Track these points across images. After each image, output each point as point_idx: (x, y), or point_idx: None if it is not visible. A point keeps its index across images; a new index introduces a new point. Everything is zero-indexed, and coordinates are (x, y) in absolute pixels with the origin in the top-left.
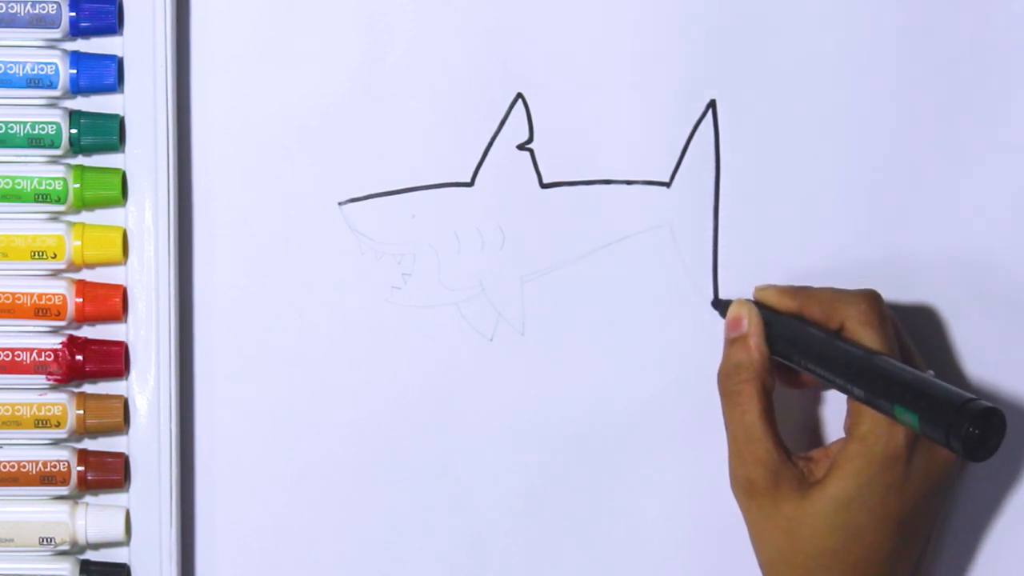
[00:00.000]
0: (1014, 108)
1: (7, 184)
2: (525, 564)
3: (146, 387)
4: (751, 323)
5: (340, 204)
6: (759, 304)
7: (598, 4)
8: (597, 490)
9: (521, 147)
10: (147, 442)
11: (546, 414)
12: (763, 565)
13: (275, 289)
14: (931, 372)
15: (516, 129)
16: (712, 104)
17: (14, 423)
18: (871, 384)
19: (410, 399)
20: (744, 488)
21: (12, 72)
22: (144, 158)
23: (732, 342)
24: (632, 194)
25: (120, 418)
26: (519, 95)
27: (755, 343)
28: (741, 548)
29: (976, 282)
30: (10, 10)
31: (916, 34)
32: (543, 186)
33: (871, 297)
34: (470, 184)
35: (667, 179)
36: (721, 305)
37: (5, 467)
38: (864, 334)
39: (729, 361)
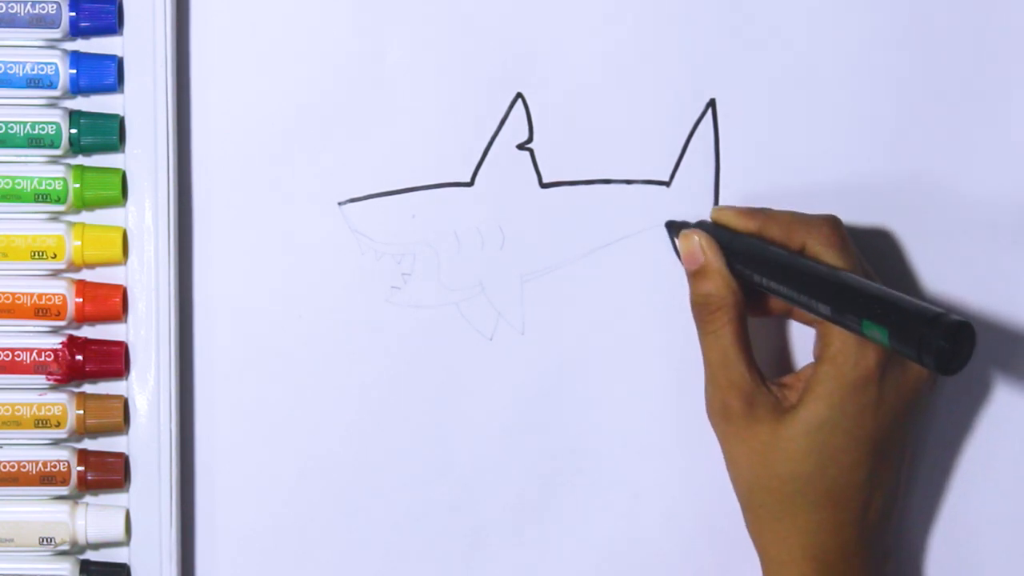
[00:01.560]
0: (1014, 108)
1: (7, 184)
2: (525, 564)
3: (146, 387)
4: (709, 251)
5: (340, 204)
6: (717, 225)
7: (598, 4)
8: (597, 490)
9: (521, 147)
10: (147, 442)
11: (546, 414)
12: (739, 491)
13: (275, 289)
14: None
15: (516, 129)
16: (712, 104)
17: (14, 423)
18: (838, 299)
19: (410, 399)
20: (720, 414)
21: (12, 72)
22: (144, 158)
23: (694, 274)
24: (632, 194)
25: (120, 418)
26: (519, 95)
27: (717, 269)
28: (741, 548)
29: (976, 282)
30: (10, 10)
31: (916, 34)
32: (543, 186)
33: (832, 220)
34: (470, 184)
35: (667, 179)
36: (674, 227)
37: (5, 467)
38: (827, 255)
39: (698, 292)
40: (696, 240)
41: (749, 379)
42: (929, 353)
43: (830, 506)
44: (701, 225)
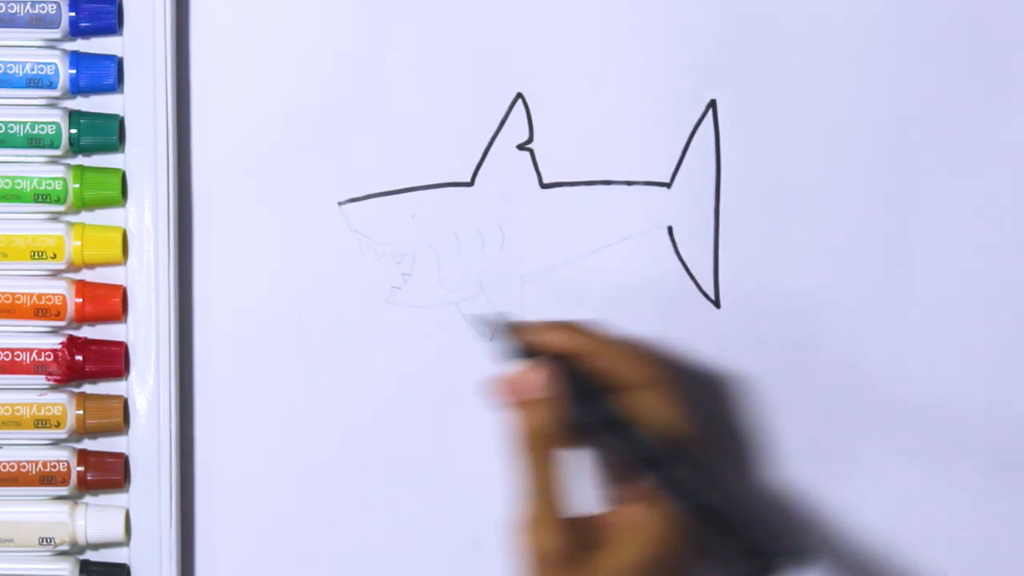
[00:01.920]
0: (1014, 108)
1: (7, 184)
2: None
3: (146, 387)
4: (544, 386)
5: (340, 204)
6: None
7: (598, 4)
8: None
9: (521, 147)
10: (147, 442)
11: None
12: None
13: (275, 289)
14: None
15: (516, 129)
16: (712, 104)
17: (14, 423)
18: (671, 492)
19: (410, 399)
20: (539, 556)
21: (12, 72)
22: (144, 158)
23: (528, 404)
24: (632, 194)
25: (120, 418)
26: (519, 95)
27: (556, 408)
28: None
29: (976, 282)
30: (10, 10)
31: (916, 34)
32: (543, 186)
33: (671, 363)
34: (470, 184)
35: (667, 179)
36: (510, 334)
37: (5, 467)
38: (668, 397)
39: (530, 426)
40: (543, 375)
41: (568, 522)
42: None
43: None
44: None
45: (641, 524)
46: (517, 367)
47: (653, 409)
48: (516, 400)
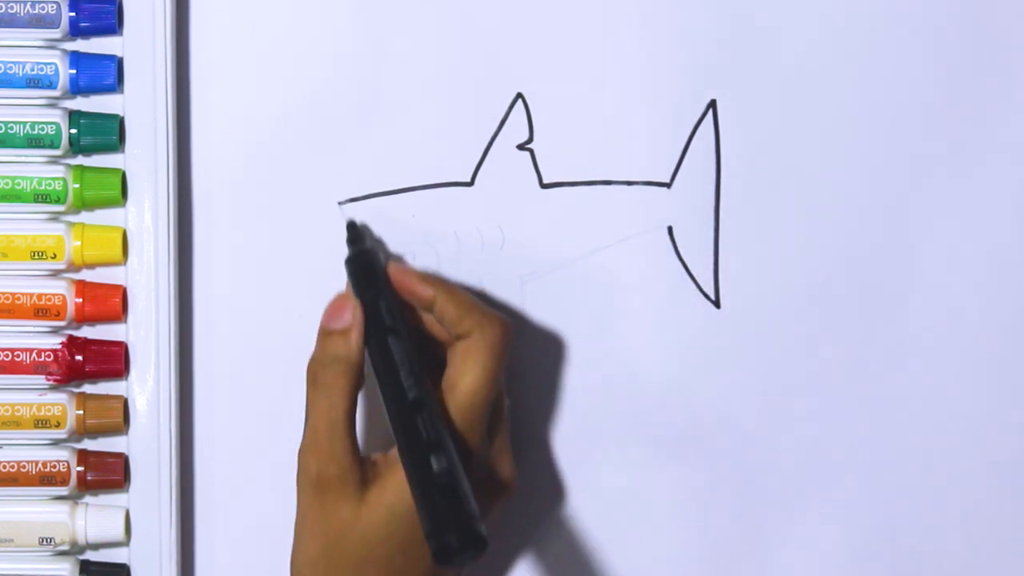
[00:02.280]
0: (1014, 108)
1: (7, 184)
2: (525, 563)
3: (146, 387)
4: (355, 320)
5: (340, 204)
6: (387, 280)
7: (598, 4)
8: (596, 489)
9: (521, 147)
10: (147, 442)
11: (545, 414)
12: (302, 562)
13: (275, 289)
14: (507, 401)
15: (516, 129)
16: (712, 104)
17: (14, 423)
18: (400, 446)
19: None
20: (313, 482)
21: (12, 72)
22: (144, 158)
23: (332, 333)
24: (632, 194)
25: (120, 418)
26: (519, 95)
27: (355, 342)
28: (742, 547)
29: (977, 282)
30: (10, 10)
31: (916, 34)
32: (543, 186)
33: (506, 325)
34: (470, 184)
35: (667, 179)
36: (350, 263)
37: (5, 467)
38: (479, 355)
39: (327, 352)
40: (350, 304)
41: (351, 454)
42: (431, 544)
43: None
44: (374, 278)
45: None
46: (337, 295)
47: (465, 359)
48: (325, 324)
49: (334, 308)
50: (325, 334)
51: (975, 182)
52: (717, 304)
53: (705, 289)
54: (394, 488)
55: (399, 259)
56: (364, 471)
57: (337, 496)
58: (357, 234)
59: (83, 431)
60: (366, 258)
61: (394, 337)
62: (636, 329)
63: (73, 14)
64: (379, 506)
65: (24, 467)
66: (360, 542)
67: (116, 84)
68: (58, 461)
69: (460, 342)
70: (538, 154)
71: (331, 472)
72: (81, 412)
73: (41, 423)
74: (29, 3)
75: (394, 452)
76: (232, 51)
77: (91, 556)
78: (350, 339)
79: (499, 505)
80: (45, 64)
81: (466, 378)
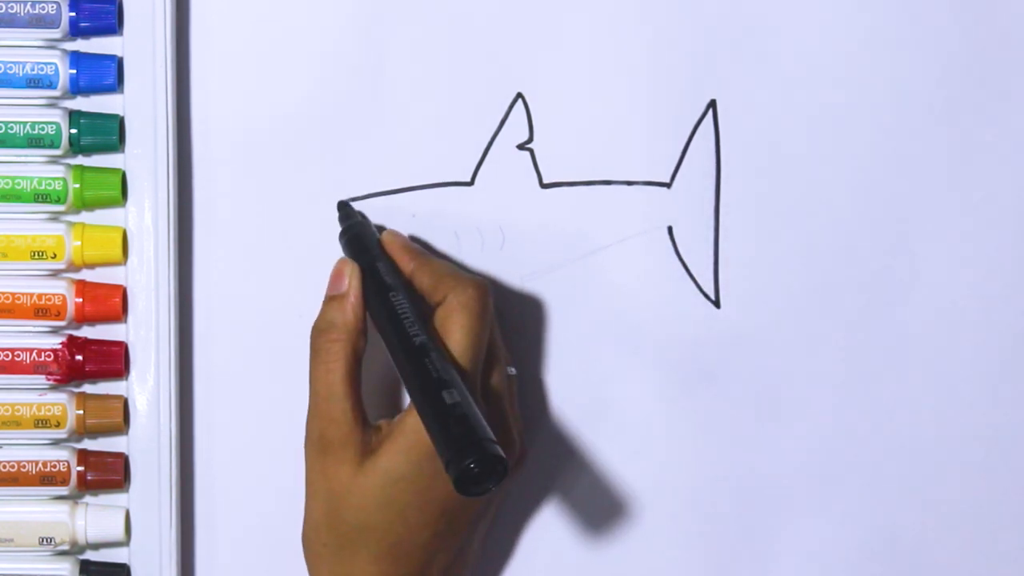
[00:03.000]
0: (1014, 108)
1: (7, 184)
2: (524, 562)
3: (146, 387)
4: (352, 285)
5: (339, 204)
6: (381, 246)
7: (598, 4)
8: (596, 489)
9: (521, 147)
10: (147, 442)
11: (545, 414)
12: (309, 527)
13: (275, 289)
14: (512, 370)
15: (516, 129)
16: (712, 104)
17: (14, 423)
18: (411, 388)
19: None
20: (316, 445)
21: (12, 72)
22: (144, 158)
23: (331, 299)
24: (632, 194)
25: (120, 418)
26: (519, 95)
27: (352, 305)
28: (742, 547)
29: (977, 282)
30: (10, 10)
31: (916, 34)
32: (543, 186)
33: (480, 285)
34: (470, 184)
35: (667, 179)
36: (343, 236)
37: (5, 467)
38: (457, 317)
39: (324, 318)
40: (348, 270)
41: (351, 417)
42: (451, 474)
43: (390, 559)
44: (368, 245)
45: (406, 435)
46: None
47: (445, 325)
48: (328, 292)
49: (333, 275)
50: (325, 300)
51: (975, 182)
52: (717, 304)
53: (705, 289)
54: (392, 452)
55: (392, 231)
56: (367, 436)
57: (338, 459)
58: (348, 211)
59: (83, 431)
60: (358, 228)
61: (394, 293)
62: (636, 329)
63: (73, 14)
64: (376, 470)
65: (24, 467)
66: (358, 508)
67: (116, 84)
68: (58, 461)
69: (439, 309)
70: (538, 154)
71: (331, 435)
72: (81, 412)
73: (41, 423)
74: (29, 3)
75: (399, 418)
76: (232, 51)
77: (91, 556)
78: (346, 303)
79: (510, 475)
80: (45, 64)
81: (449, 342)
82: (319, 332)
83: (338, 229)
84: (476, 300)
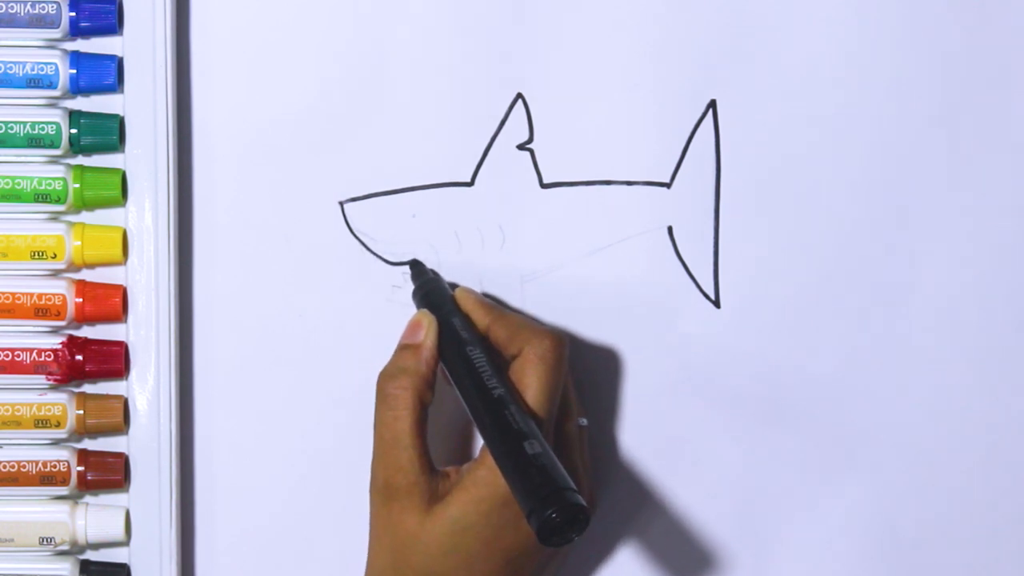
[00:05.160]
0: (1014, 108)
1: (7, 184)
2: None
3: (146, 387)
4: (428, 335)
5: (340, 203)
6: (455, 302)
7: (598, 4)
8: (595, 489)
9: (521, 147)
10: (147, 442)
11: None
12: (371, 572)
13: (275, 289)
14: (584, 421)
15: (516, 129)
16: (712, 104)
17: (14, 423)
18: (491, 439)
19: None
20: (381, 492)
21: (12, 72)
22: (144, 158)
23: (404, 347)
24: (632, 194)
25: (120, 418)
26: (519, 95)
27: (426, 356)
28: (742, 548)
29: (977, 282)
30: (10, 10)
31: (916, 34)
32: (543, 186)
33: (556, 337)
34: (470, 184)
35: (667, 179)
36: (418, 292)
37: (5, 467)
38: (532, 369)
39: (395, 364)
40: (426, 320)
41: (418, 465)
42: (533, 524)
43: None
44: (442, 301)
45: (477, 485)
46: (415, 315)
47: (521, 377)
48: (402, 340)
49: (411, 325)
50: (398, 349)
51: (975, 182)
52: (717, 304)
53: (705, 289)
54: (462, 501)
55: (465, 288)
56: (434, 483)
57: (403, 507)
58: (421, 268)
59: (83, 431)
60: (432, 285)
61: (471, 347)
62: (636, 329)
63: (73, 14)
64: (443, 518)
65: (24, 467)
66: (424, 554)
67: (116, 84)
68: (58, 461)
69: (515, 361)
70: (538, 154)
71: (397, 482)
72: (81, 412)
73: (41, 423)
74: (29, 3)
75: (469, 467)
76: (232, 51)
77: (91, 556)
78: (420, 352)
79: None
80: (45, 64)
81: (525, 393)
82: (388, 377)
83: (337, 229)
84: (552, 351)
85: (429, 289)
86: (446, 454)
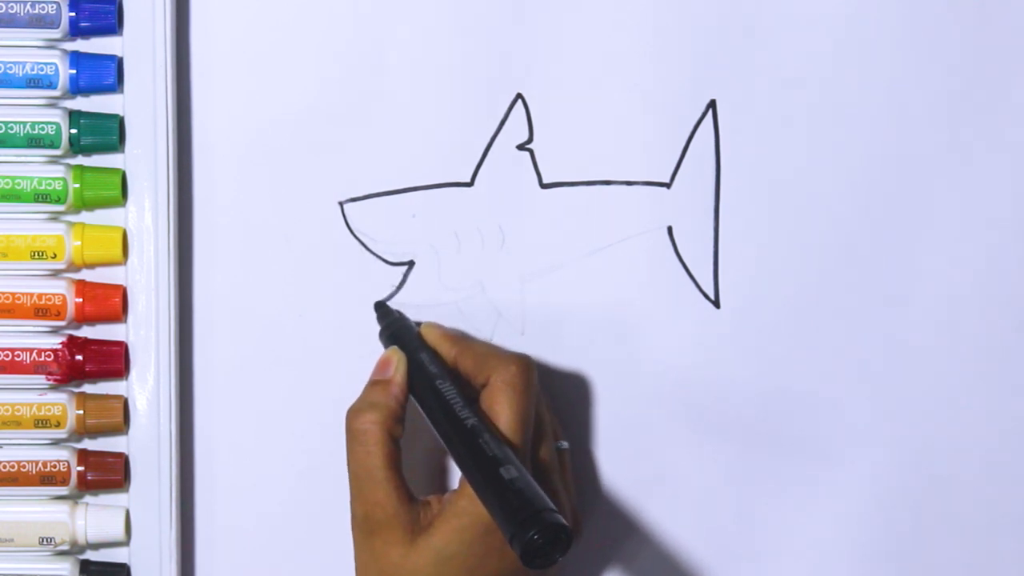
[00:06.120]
0: (1014, 108)
1: (7, 184)
2: None
3: (146, 387)
4: (397, 370)
5: (340, 204)
6: (421, 338)
7: (598, 4)
8: (595, 490)
9: (521, 147)
10: (147, 442)
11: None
12: None
13: (275, 289)
14: (564, 444)
15: (516, 129)
16: (712, 104)
17: (14, 423)
18: (467, 469)
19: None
20: (362, 527)
21: (12, 72)
22: (144, 158)
23: (374, 383)
24: (632, 194)
25: (120, 418)
26: (519, 95)
27: (395, 391)
28: (741, 548)
29: (977, 282)
30: (10, 10)
31: (916, 34)
32: (543, 186)
33: (522, 361)
34: (470, 184)
35: (667, 179)
36: (384, 332)
37: (5, 467)
38: (502, 396)
39: (364, 400)
40: (396, 357)
41: (394, 498)
42: (516, 548)
43: None
44: (408, 338)
45: (459, 515)
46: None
47: (492, 405)
48: (372, 376)
49: (380, 363)
50: (368, 385)
51: (975, 182)
52: (717, 304)
53: (705, 289)
54: (445, 531)
55: (430, 323)
56: (415, 513)
57: (386, 540)
58: (385, 309)
59: (83, 431)
60: (397, 325)
61: (441, 381)
62: (636, 329)
63: (73, 14)
64: (427, 549)
65: (24, 467)
66: None
67: (116, 84)
68: (58, 461)
69: (484, 391)
70: (538, 154)
71: (377, 516)
72: (81, 412)
73: (41, 423)
74: (29, 3)
75: (450, 497)
76: (232, 51)
77: (91, 556)
78: (389, 388)
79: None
80: (45, 64)
81: (497, 421)
82: (356, 413)
83: (337, 229)
84: (519, 377)
85: (395, 329)
86: (428, 482)
